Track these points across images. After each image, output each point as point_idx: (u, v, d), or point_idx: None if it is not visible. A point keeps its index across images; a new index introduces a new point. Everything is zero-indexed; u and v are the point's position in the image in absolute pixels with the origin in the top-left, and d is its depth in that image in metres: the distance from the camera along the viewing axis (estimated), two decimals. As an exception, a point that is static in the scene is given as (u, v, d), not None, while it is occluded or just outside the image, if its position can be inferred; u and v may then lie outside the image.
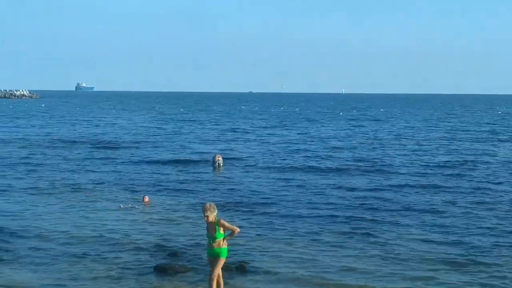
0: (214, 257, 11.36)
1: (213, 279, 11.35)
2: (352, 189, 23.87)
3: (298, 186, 24.72)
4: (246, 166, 31.00)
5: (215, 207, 11.28)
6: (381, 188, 24.21)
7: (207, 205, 11.28)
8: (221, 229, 11.26)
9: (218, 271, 11.42)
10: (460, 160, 33.33)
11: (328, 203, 21.07)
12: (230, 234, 11.43)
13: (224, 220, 11.47)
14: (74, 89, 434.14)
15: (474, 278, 13.04)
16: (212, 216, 11.15)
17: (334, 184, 25.06)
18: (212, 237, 11.27)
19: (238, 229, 11.48)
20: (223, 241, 11.32)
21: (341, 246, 15.55)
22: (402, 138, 48.58)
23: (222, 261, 11.38)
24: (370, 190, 23.73)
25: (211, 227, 11.25)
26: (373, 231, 17.03)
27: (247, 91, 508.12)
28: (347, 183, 25.40)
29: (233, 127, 62.23)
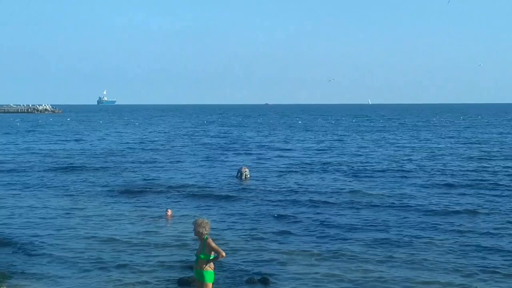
0: (199, 279, 10.51)
1: None
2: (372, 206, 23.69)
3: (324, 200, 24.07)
4: (272, 177, 30.89)
5: (208, 223, 10.48)
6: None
7: (198, 220, 10.56)
8: (207, 249, 10.34)
9: None
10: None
11: (365, 218, 20.91)
12: (215, 257, 10.41)
13: (213, 241, 10.47)
14: (96, 103, 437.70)
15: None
16: (201, 232, 10.33)
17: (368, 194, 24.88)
18: (197, 257, 10.44)
19: (223, 253, 10.36)
20: (206, 263, 10.37)
21: (364, 260, 15.40)
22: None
23: (206, 287, 10.42)
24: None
25: (200, 246, 10.46)
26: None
27: (263, 103, 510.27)
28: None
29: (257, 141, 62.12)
